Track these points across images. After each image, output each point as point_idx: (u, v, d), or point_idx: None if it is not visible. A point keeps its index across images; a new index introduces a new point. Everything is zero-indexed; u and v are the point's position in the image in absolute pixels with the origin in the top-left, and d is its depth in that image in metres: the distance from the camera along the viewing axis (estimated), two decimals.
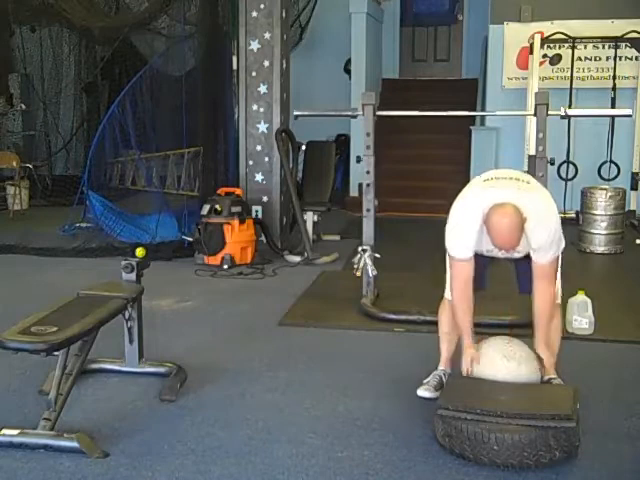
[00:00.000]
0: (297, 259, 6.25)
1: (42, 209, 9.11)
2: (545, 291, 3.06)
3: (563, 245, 3.12)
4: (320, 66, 10.26)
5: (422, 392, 3.30)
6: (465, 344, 3.12)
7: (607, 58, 8.31)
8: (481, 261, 3.17)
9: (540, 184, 3.24)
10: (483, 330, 4.14)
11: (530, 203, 2.96)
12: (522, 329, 3.63)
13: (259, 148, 6.71)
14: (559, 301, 3.29)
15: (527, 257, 3.09)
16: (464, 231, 3.04)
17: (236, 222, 6.06)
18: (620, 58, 8.27)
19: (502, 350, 3.07)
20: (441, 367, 3.39)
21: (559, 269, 3.20)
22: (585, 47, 8.37)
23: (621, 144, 8.25)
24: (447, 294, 3.32)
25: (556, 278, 3.16)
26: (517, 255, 3.09)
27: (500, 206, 2.91)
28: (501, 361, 3.03)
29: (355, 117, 5.10)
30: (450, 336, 3.34)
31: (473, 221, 2.99)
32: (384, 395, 3.38)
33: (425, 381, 3.34)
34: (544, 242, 2.99)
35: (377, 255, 4.76)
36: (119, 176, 9.38)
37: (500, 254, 3.10)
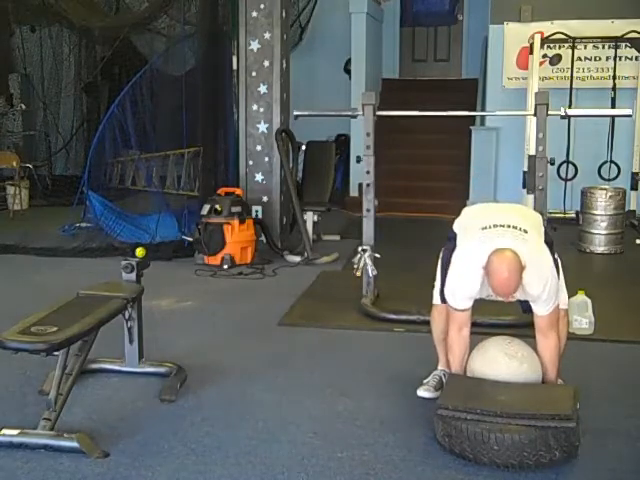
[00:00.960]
0: (297, 259, 6.25)
1: (42, 209, 9.11)
2: (547, 341, 3.07)
3: (565, 297, 3.18)
4: (320, 66, 10.25)
5: (422, 392, 3.30)
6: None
7: (607, 58, 8.31)
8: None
9: (536, 233, 3.16)
10: (483, 330, 4.15)
11: (527, 254, 2.94)
12: (522, 329, 3.62)
13: (259, 148, 6.71)
14: (565, 307, 3.28)
15: None
16: (465, 287, 3.04)
17: (236, 222, 6.06)
18: (620, 58, 8.27)
19: (504, 349, 3.07)
20: (440, 367, 3.40)
21: (561, 275, 3.20)
22: (585, 47, 8.37)
23: (621, 144, 8.25)
24: (436, 300, 3.33)
25: (558, 326, 3.13)
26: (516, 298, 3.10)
27: (500, 251, 2.91)
28: (503, 360, 3.03)
29: (355, 117, 5.10)
30: (445, 341, 3.32)
31: (474, 277, 2.99)
32: (384, 395, 3.38)
33: (425, 381, 3.35)
34: (541, 293, 2.99)
35: (377, 255, 4.75)
36: (119, 176, 9.37)
37: (499, 299, 3.09)
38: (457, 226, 3.30)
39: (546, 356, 3.07)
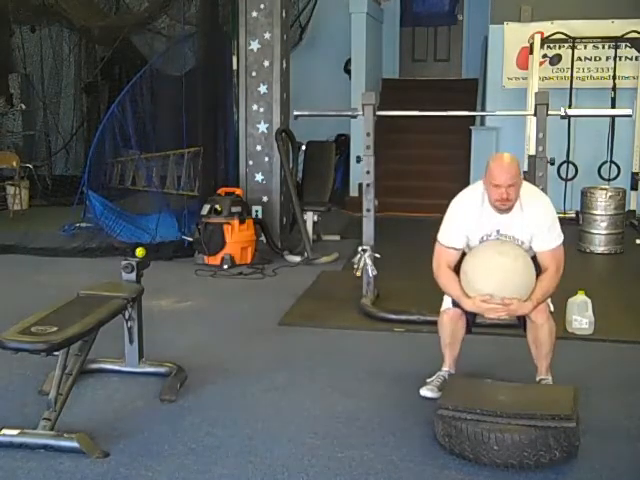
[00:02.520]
0: (297, 259, 6.25)
1: (42, 209, 9.10)
2: (548, 272, 3.11)
3: (562, 240, 3.19)
4: (320, 66, 10.25)
5: (425, 392, 3.30)
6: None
7: (607, 58, 8.31)
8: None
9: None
10: (483, 330, 4.15)
11: (526, 187, 3.16)
12: (522, 329, 3.62)
13: (259, 148, 6.71)
14: (552, 309, 3.29)
15: None
16: (461, 217, 3.18)
17: (236, 222, 6.06)
18: (620, 58, 8.27)
19: (496, 248, 3.11)
20: (445, 368, 3.39)
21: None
22: (585, 47, 8.37)
23: (621, 144, 8.25)
24: (445, 304, 3.33)
25: (559, 271, 3.17)
26: (516, 237, 3.14)
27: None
28: (495, 258, 3.06)
29: (355, 117, 5.10)
30: (452, 343, 3.35)
31: (472, 203, 3.16)
32: (384, 395, 3.38)
33: (428, 380, 3.35)
34: (542, 221, 3.10)
35: (377, 255, 4.76)
36: (119, 176, 9.36)
37: (502, 231, 3.14)
38: None
39: (542, 281, 3.10)
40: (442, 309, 3.36)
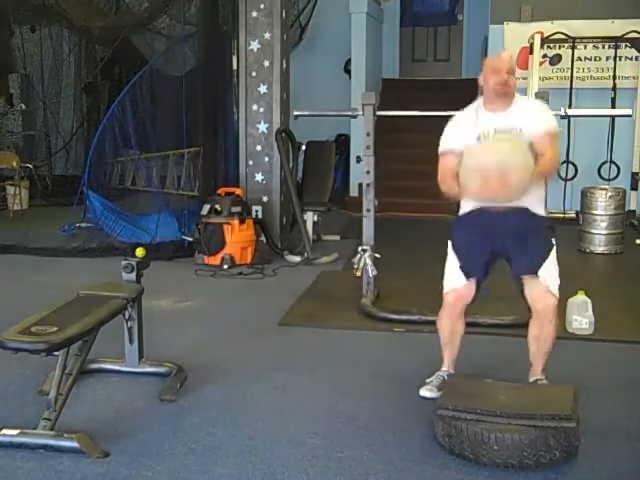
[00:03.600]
0: (297, 259, 6.25)
1: (42, 209, 9.10)
2: (549, 156, 3.12)
3: (557, 128, 3.23)
4: (320, 66, 10.25)
5: (424, 392, 3.29)
6: None
7: (607, 58, 8.31)
8: (478, 265, 3.22)
9: None
10: (483, 330, 4.16)
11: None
12: (522, 329, 3.62)
13: (259, 148, 6.71)
14: (556, 294, 3.25)
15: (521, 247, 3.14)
16: (458, 123, 3.33)
17: (236, 222, 6.06)
18: (620, 58, 8.26)
19: (494, 140, 3.15)
20: (444, 368, 3.39)
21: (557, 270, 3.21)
22: (585, 47, 8.37)
23: (621, 144, 8.24)
24: (446, 287, 3.31)
25: (558, 157, 3.25)
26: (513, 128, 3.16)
27: None
28: (493, 145, 3.12)
29: (355, 117, 5.11)
30: (452, 342, 3.34)
31: (467, 111, 3.32)
32: (384, 395, 3.38)
33: (428, 380, 3.35)
34: (536, 107, 3.28)
35: (377, 255, 4.76)
36: (119, 176, 9.36)
37: (499, 125, 3.16)
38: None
39: (544, 156, 3.09)
40: (444, 292, 3.33)
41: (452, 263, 3.30)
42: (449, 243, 3.35)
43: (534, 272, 3.16)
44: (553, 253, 3.20)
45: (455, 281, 3.28)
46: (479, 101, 3.29)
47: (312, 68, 9.94)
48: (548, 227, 3.27)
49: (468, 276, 3.24)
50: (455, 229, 3.36)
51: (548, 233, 3.25)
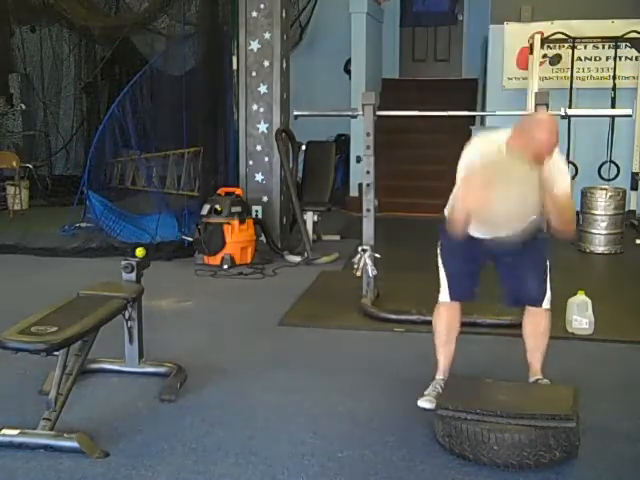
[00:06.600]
0: (297, 259, 6.25)
1: (42, 209, 9.11)
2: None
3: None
4: (320, 66, 10.25)
5: (423, 403, 3.22)
6: None
7: (607, 58, 8.31)
8: (473, 267, 3.20)
9: None
10: (483, 330, 4.16)
11: None
12: (522, 329, 3.62)
13: (259, 148, 6.72)
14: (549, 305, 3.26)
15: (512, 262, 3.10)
16: (479, 154, 2.99)
17: (236, 222, 6.06)
18: (620, 58, 8.26)
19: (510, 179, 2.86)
20: (439, 376, 3.33)
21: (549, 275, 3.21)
22: (585, 47, 8.37)
23: (621, 144, 8.25)
24: (442, 297, 3.30)
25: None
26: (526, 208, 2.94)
27: (534, 116, 3.10)
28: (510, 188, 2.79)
29: (355, 117, 5.10)
30: (447, 344, 3.31)
31: (488, 149, 2.99)
32: (384, 395, 3.38)
33: (426, 392, 3.27)
34: (562, 166, 3.07)
35: (377, 255, 4.75)
36: (119, 176, 9.36)
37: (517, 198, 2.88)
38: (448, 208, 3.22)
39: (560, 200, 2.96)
40: (439, 300, 3.31)
41: (442, 276, 3.29)
42: (438, 252, 3.30)
43: (539, 304, 3.18)
44: (547, 271, 3.20)
45: (446, 295, 3.28)
46: (504, 138, 2.99)
47: (312, 68, 9.95)
48: (545, 243, 3.22)
49: (458, 300, 3.24)
50: (443, 241, 3.25)
51: (545, 251, 3.22)
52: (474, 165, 2.96)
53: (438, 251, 3.31)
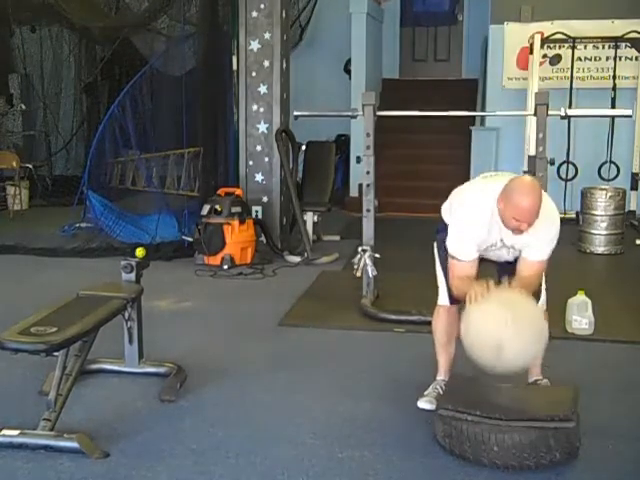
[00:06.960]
0: (297, 259, 6.25)
1: (42, 209, 9.11)
2: (530, 280, 2.92)
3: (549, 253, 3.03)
4: (320, 66, 10.25)
5: (423, 404, 3.22)
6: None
7: (607, 58, 8.32)
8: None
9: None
10: None
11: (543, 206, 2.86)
12: None
13: (259, 148, 6.71)
14: (544, 306, 3.22)
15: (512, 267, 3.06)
16: (473, 232, 2.95)
17: (236, 222, 6.06)
18: (620, 58, 8.27)
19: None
20: (440, 377, 3.33)
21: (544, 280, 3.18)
22: (585, 47, 8.37)
23: (621, 144, 8.25)
24: (441, 300, 3.29)
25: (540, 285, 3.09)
26: (516, 247, 3.00)
27: (518, 177, 2.89)
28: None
29: (355, 117, 5.10)
30: (447, 346, 3.30)
31: (482, 218, 2.91)
32: (384, 395, 3.38)
33: (426, 392, 3.27)
34: (547, 239, 2.92)
35: (377, 255, 4.75)
36: (119, 176, 9.36)
37: (506, 242, 2.97)
38: (446, 209, 3.20)
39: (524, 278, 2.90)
40: (438, 302, 3.30)
41: (441, 279, 3.26)
42: (436, 256, 3.28)
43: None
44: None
45: (445, 299, 3.26)
46: (494, 208, 2.88)
47: (312, 68, 9.95)
48: None
49: (458, 303, 3.19)
50: (441, 246, 3.20)
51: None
52: (466, 242, 2.95)
53: (435, 255, 3.30)
